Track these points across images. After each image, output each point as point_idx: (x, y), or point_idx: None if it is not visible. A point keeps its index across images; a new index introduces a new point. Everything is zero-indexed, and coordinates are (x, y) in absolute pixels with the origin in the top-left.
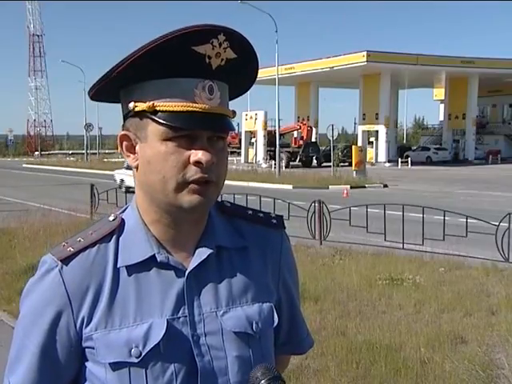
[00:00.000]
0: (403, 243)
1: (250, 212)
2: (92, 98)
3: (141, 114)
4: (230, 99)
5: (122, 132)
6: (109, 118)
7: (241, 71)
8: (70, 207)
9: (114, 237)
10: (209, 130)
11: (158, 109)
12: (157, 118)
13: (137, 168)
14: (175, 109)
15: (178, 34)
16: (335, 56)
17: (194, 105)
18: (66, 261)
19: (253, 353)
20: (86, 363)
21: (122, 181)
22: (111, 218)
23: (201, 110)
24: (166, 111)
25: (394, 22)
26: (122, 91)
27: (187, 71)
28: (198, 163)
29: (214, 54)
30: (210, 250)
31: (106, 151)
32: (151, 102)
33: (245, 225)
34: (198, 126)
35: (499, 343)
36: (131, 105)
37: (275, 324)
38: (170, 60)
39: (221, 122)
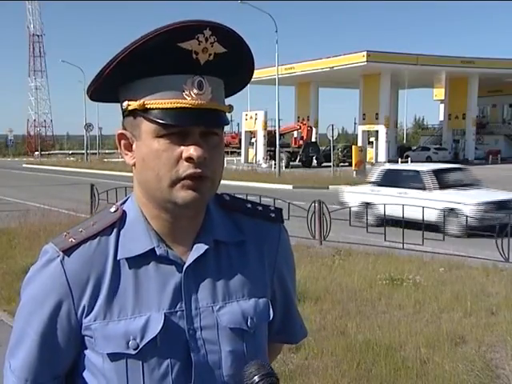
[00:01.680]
0: (403, 243)
1: (249, 205)
2: (91, 99)
3: (134, 113)
4: (231, 94)
5: (120, 131)
6: (109, 118)
7: (235, 65)
8: (69, 207)
9: (115, 229)
10: (200, 126)
11: (148, 107)
12: (148, 116)
13: (134, 166)
14: (164, 106)
15: (162, 31)
16: (335, 56)
17: (183, 101)
18: (67, 252)
19: (247, 347)
20: (85, 351)
21: (367, 205)
22: (112, 210)
23: (190, 105)
24: (156, 108)
25: (394, 22)
26: (119, 90)
27: (175, 68)
28: (189, 159)
29: (201, 49)
30: (208, 245)
31: (106, 151)
32: (142, 101)
33: (243, 219)
34: (188, 122)
35: (499, 343)
36: (125, 104)
37: (270, 318)
38: (157, 58)
39: (213, 117)
